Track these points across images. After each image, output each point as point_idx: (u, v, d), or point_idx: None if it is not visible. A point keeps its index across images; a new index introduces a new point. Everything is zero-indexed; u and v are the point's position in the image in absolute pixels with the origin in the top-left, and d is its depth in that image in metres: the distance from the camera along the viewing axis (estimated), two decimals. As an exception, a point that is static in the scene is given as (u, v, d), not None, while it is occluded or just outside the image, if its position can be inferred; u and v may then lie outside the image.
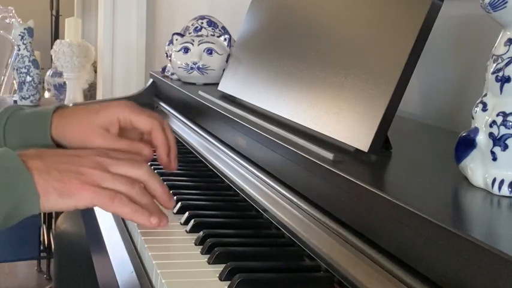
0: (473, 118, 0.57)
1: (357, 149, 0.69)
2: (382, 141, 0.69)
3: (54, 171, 0.67)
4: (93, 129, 0.85)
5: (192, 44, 1.36)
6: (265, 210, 0.78)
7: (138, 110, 0.84)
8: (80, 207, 0.69)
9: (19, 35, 2.54)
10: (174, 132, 1.28)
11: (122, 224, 0.83)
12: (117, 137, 0.85)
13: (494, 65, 0.55)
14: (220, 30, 1.49)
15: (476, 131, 0.56)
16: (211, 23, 1.50)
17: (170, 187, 0.76)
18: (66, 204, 0.67)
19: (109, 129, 0.85)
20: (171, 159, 0.85)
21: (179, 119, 1.28)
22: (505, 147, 0.53)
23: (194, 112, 1.19)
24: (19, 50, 2.56)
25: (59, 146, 0.89)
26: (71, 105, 0.98)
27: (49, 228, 2.70)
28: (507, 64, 0.54)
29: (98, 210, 0.93)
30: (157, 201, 0.75)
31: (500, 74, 0.54)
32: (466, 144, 0.57)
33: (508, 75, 0.53)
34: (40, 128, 0.88)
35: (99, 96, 3.22)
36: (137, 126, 0.84)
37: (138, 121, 0.83)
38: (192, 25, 1.50)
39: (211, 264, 0.66)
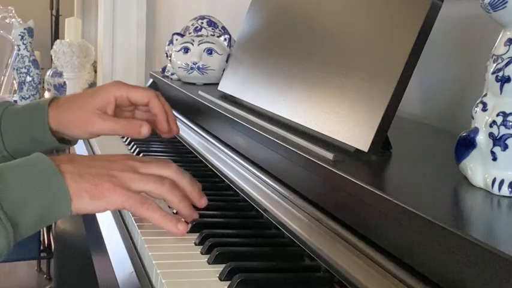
0: (473, 118, 0.57)
1: (357, 149, 0.69)
2: (382, 141, 0.69)
3: (86, 175, 0.69)
4: (91, 112, 0.89)
5: (192, 44, 1.36)
6: (265, 210, 0.78)
7: (132, 86, 0.91)
8: (110, 209, 0.71)
9: (19, 35, 2.54)
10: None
11: (122, 224, 0.83)
12: (115, 118, 0.90)
13: (494, 65, 0.55)
14: (220, 30, 1.49)
15: (476, 131, 0.56)
16: (211, 23, 1.50)
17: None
18: (98, 206, 0.69)
19: (106, 110, 0.89)
20: (170, 125, 0.90)
21: (179, 119, 1.28)
22: (505, 147, 0.53)
23: (194, 112, 1.19)
24: (19, 50, 2.56)
25: (57, 137, 0.90)
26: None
27: (49, 228, 2.70)
28: (507, 64, 0.54)
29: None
30: (189, 198, 0.76)
31: (500, 74, 0.54)
32: (466, 144, 0.56)
33: (508, 75, 0.53)
34: (37, 120, 0.89)
35: (99, 96, 3.22)
36: (135, 101, 0.90)
37: (135, 95, 0.89)
38: (192, 25, 1.50)
39: (211, 264, 0.66)
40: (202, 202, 0.77)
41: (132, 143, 1.21)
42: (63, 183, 0.67)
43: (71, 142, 0.95)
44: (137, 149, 1.15)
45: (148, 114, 0.94)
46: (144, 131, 0.87)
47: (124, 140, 1.26)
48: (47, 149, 0.90)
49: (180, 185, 0.75)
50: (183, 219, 0.74)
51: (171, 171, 0.75)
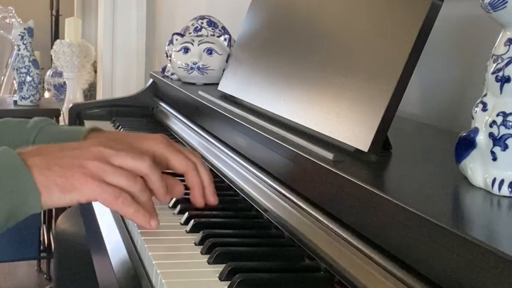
0: (473, 118, 0.57)
1: (357, 149, 0.69)
2: (382, 141, 0.69)
3: (55, 167, 0.67)
4: None
5: (192, 44, 1.36)
6: (265, 210, 0.78)
7: (173, 149, 0.81)
8: (82, 201, 0.68)
9: (19, 35, 2.54)
10: (174, 132, 1.29)
11: (122, 224, 0.83)
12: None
13: (494, 65, 0.55)
14: (220, 30, 1.49)
15: (476, 131, 0.56)
16: (211, 23, 1.50)
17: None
18: (70, 199, 0.67)
19: None
20: (208, 197, 0.81)
21: (179, 119, 1.28)
22: (505, 147, 0.53)
23: (194, 112, 1.19)
24: (19, 50, 2.56)
25: None
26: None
27: (49, 228, 2.70)
28: (507, 64, 0.54)
29: (98, 210, 0.92)
30: (155, 195, 0.75)
31: (500, 74, 0.54)
32: (466, 144, 0.56)
33: (508, 75, 0.53)
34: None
35: (99, 96, 3.22)
36: (172, 166, 0.81)
37: (173, 161, 0.80)
38: (192, 25, 1.50)
39: (211, 264, 0.66)
40: (167, 199, 0.76)
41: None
42: (31, 177, 0.65)
43: None
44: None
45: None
46: (178, 189, 0.79)
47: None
48: None
49: (149, 180, 0.73)
50: (156, 215, 0.72)
51: (144, 165, 0.72)
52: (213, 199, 0.81)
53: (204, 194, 0.81)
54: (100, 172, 0.68)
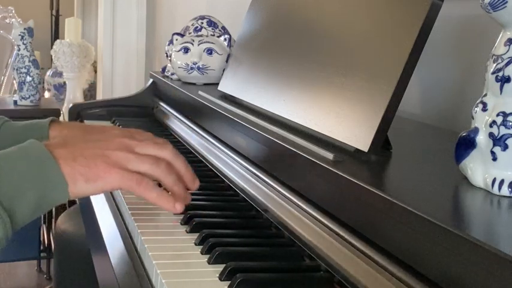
0: (473, 118, 0.57)
1: (357, 149, 0.69)
2: (382, 141, 0.69)
3: (80, 157, 0.68)
4: None
5: (192, 44, 1.36)
6: (265, 210, 0.78)
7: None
8: (107, 190, 0.70)
9: (19, 35, 2.54)
10: (174, 132, 1.28)
11: (122, 224, 0.83)
12: None
13: (494, 65, 0.55)
14: (220, 30, 1.49)
15: (476, 131, 0.56)
16: (211, 23, 1.50)
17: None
18: (94, 188, 0.69)
19: None
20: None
21: (179, 119, 1.28)
22: (505, 147, 0.53)
23: (194, 112, 1.19)
24: (19, 50, 2.56)
25: None
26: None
27: (49, 228, 2.70)
28: (507, 64, 0.54)
29: (97, 210, 0.92)
30: (182, 180, 0.75)
31: (500, 74, 0.54)
32: (466, 144, 0.56)
33: (508, 75, 0.53)
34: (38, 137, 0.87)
35: (99, 96, 3.23)
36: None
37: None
38: (192, 25, 1.50)
39: (211, 264, 0.66)
40: (196, 184, 0.77)
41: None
42: (58, 169, 0.66)
43: None
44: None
45: None
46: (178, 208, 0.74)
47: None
48: None
49: (175, 167, 0.74)
50: (186, 198, 0.73)
51: (167, 152, 0.74)
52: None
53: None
54: (123, 161, 0.70)
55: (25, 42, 2.54)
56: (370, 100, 0.70)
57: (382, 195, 0.54)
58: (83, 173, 0.68)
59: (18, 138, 0.84)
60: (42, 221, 2.70)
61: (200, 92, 1.16)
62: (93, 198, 0.98)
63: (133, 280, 0.67)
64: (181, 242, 0.73)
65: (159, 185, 0.72)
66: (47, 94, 3.52)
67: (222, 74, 1.20)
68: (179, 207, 0.71)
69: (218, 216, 0.81)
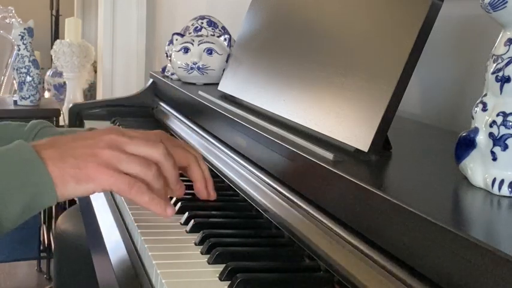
0: (473, 118, 0.57)
1: (357, 149, 0.69)
2: (382, 141, 0.69)
3: (69, 158, 0.66)
4: None
5: (192, 44, 1.36)
6: (265, 210, 0.78)
7: (172, 143, 0.81)
8: (98, 191, 0.68)
9: (19, 35, 2.54)
10: (174, 132, 1.29)
11: (122, 224, 0.83)
12: None
13: (494, 65, 0.55)
14: (220, 30, 1.49)
15: (476, 131, 0.56)
16: (211, 23, 1.50)
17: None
18: (85, 189, 0.67)
19: None
20: (209, 191, 0.82)
21: (179, 119, 1.28)
22: (505, 147, 0.53)
23: (194, 112, 1.19)
24: (19, 50, 2.56)
25: None
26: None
27: (49, 228, 2.70)
28: (507, 64, 0.54)
29: (97, 210, 0.93)
30: (168, 183, 0.74)
31: (500, 74, 0.54)
32: (466, 144, 0.56)
33: (508, 75, 0.53)
34: None
35: (99, 96, 3.23)
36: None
37: (175, 154, 0.78)
38: (192, 25, 1.50)
39: (211, 264, 0.66)
40: (179, 191, 0.75)
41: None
42: (45, 170, 0.64)
43: None
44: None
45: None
46: (179, 190, 0.77)
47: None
48: None
49: (164, 168, 0.72)
50: (171, 203, 0.72)
51: (158, 152, 0.72)
52: (213, 193, 0.82)
53: (206, 186, 0.81)
54: (114, 160, 0.68)
55: (25, 42, 2.54)
56: (370, 100, 0.70)
57: (382, 195, 0.54)
58: (73, 174, 0.66)
59: None
60: (42, 221, 2.70)
61: (200, 92, 1.16)
62: (93, 198, 0.98)
63: (133, 280, 0.67)
64: (181, 242, 0.72)
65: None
66: (47, 94, 3.53)
67: (222, 74, 1.20)
68: (170, 212, 0.69)
69: (218, 216, 0.81)
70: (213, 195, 0.83)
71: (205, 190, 0.81)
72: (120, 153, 0.69)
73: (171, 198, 0.83)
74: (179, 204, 0.83)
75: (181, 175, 0.79)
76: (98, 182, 0.67)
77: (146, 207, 0.69)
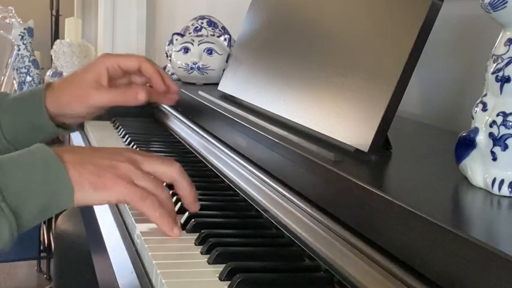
0: (473, 118, 0.57)
1: (357, 149, 0.69)
2: (382, 141, 0.69)
3: (88, 165, 0.68)
4: (86, 86, 0.90)
5: (192, 44, 1.36)
6: (265, 211, 0.78)
7: (121, 55, 0.92)
8: (112, 202, 0.70)
9: (19, 35, 2.54)
10: (174, 132, 1.29)
11: (122, 224, 0.83)
12: (111, 88, 0.91)
13: (494, 65, 0.55)
14: (220, 30, 1.49)
15: (476, 131, 0.56)
16: (211, 23, 1.50)
17: (168, 186, 0.76)
18: (100, 197, 0.68)
19: (100, 82, 0.90)
20: (167, 83, 0.92)
21: (179, 119, 1.28)
22: (505, 147, 0.53)
23: (194, 112, 1.19)
24: (19, 50, 2.56)
25: (57, 122, 0.90)
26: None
27: (49, 228, 2.70)
28: (507, 64, 0.54)
29: (98, 210, 0.92)
30: (183, 201, 0.76)
31: (500, 74, 0.54)
32: (466, 144, 0.56)
33: (508, 75, 0.53)
34: (34, 104, 0.90)
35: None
36: (126, 68, 0.91)
37: (125, 62, 0.90)
38: (192, 25, 1.50)
39: (211, 264, 0.66)
40: (195, 207, 0.77)
41: (133, 142, 1.21)
42: (65, 173, 0.66)
43: (71, 127, 0.96)
44: (137, 149, 1.15)
45: (144, 80, 0.96)
46: (141, 96, 0.90)
47: (124, 140, 1.26)
48: (46, 136, 0.91)
49: (179, 186, 0.75)
50: (179, 224, 0.74)
51: (173, 169, 0.74)
52: (172, 85, 0.96)
53: (163, 80, 0.93)
54: (130, 173, 0.69)
55: (25, 42, 2.54)
56: (370, 100, 0.70)
57: (382, 195, 0.54)
58: (92, 181, 0.67)
59: (16, 107, 0.87)
60: (42, 221, 2.69)
61: (200, 92, 1.16)
62: (93, 198, 0.98)
63: (133, 280, 0.67)
64: (181, 242, 0.72)
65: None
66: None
67: (222, 74, 1.20)
68: (176, 233, 0.72)
69: (218, 216, 0.81)
70: (174, 88, 0.96)
71: (162, 83, 0.93)
72: (136, 169, 0.71)
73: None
74: (179, 204, 0.82)
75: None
76: (113, 192, 0.68)
77: (155, 222, 0.71)
